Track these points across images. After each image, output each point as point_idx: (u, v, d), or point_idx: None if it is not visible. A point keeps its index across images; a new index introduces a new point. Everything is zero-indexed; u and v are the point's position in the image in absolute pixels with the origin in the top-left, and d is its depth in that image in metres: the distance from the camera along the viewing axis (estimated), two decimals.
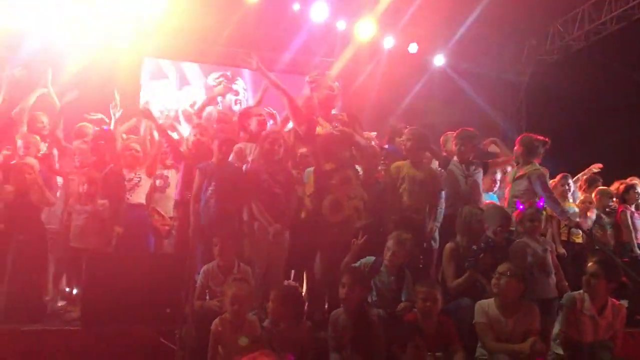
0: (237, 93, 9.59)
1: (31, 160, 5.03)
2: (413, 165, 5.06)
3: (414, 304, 4.12)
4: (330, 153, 4.78)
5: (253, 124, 5.31)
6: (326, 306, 4.76)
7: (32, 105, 5.85)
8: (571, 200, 6.08)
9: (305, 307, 4.86)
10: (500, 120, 10.51)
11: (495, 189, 6.08)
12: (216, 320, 3.88)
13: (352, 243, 4.49)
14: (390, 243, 4.39)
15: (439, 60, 10.44)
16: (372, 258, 4.45)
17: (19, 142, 5.34)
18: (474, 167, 5.33)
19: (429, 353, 3.69)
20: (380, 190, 5.05)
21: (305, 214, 4.81)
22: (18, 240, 4.58)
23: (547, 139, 5.60)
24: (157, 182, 5.54)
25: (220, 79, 8.94)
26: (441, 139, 5.96)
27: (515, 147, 5.60)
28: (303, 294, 5.04)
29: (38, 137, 5.50)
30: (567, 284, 4.67)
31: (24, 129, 5.64)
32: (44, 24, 7.94)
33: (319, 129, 5.11)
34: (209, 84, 9.19)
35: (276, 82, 5.23)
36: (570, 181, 6.15)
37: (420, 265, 4.92)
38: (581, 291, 4.09)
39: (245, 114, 5.53)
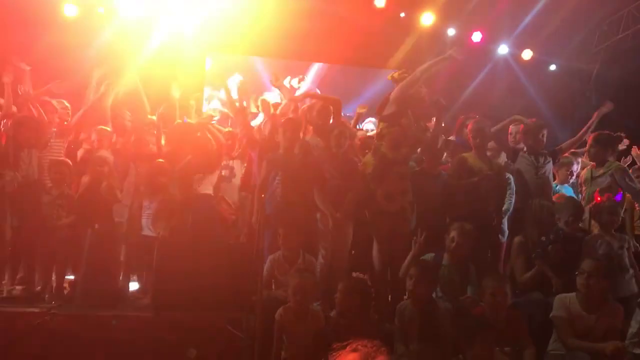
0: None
1: (104, 153, 5.22)
2: (478, 158, 4.97)
3: (481, 298, 4.04)
4: (398, 144, 4.76)
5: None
6: (389, 298, 4.74)
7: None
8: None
9: None
10: (566, 111, 10.12)
11: (572, 180, 5.90)
12: (280, 310, 3.93)
13: (413, 241, 4.42)
14: (454, 234, 4.34)
15: (503, 49, 10.16)
16: (432, 255, 4.41)
17: (93, 136, 5.54)
18: (543, 159, 5.16)
19: (497, 348, 3.58)
20: (443, 183, 4.99)
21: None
22: (93, 229, 4.75)
23: (622, 135, 5.37)
24: (223, 172, 5.64)
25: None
26: (510, 129, 5.79)
27: (589, 145, 5.39)
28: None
29: (109, 129, 5.67)
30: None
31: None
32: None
33: (404, 119, 5.04)
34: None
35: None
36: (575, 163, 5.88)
37: (488, 260, 4.81)
38: None
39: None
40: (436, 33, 9.61)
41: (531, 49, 10.07)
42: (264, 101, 6.21)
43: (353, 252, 4.91)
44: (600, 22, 10.14)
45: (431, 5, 9.27)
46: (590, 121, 5.63)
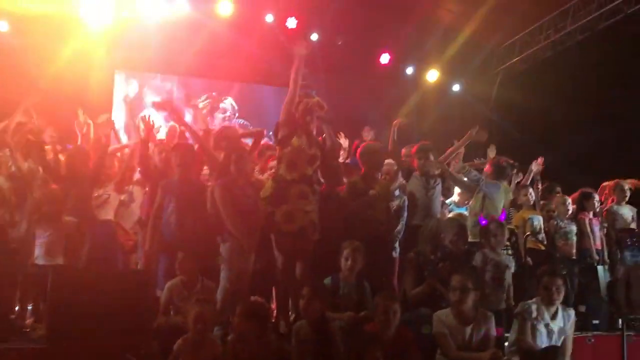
0: (224, 110, 9.69)
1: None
2: (367, 180, 5.20)
3: (374, 315, 4.20)
4: (295, 165, 4.83)
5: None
6: (292, 317, 4.85)
7: None
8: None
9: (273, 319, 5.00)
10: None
11: (467, 203, 6.19)
12: (179, 341, 3.93)
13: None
14: (346, 252, 4.49)
15: (410, 70, 10.64)
16: (329, 279, 4.55)
17: None
18: (434, 180, 5.46)
19: None
20: (340, 204, 5.15)
21: None
22: None
23: (514, 163, 5.81)
24: (122, 197, 5.58)
25: (207, 101, 9.02)
26: (403, 152, 6.10)
27: (485, 168, 5.79)
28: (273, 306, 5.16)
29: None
30: (512, 303, 4.81)
31: None
32: None
33: (294, 139, 5.03)
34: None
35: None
36: (532, 190, 6.33)
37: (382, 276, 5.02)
38: (535, 299, 4.23)
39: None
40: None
41: (436, 70, 10.60)
42: (171, 128, 6.22)
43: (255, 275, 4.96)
44: (499, 45, 10.82)
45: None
46: (459, 142, 6.01)
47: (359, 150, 5.36)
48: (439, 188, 5.50)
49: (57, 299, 4.24)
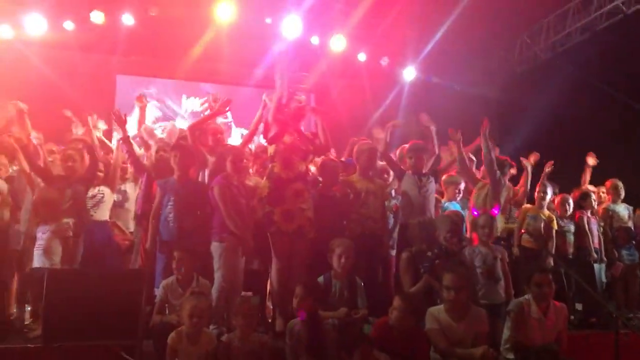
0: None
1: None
2: (362, 178, 5.23)
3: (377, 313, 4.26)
4: (289, 163, 4.87)
5: (210, 140, 5.40)
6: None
7: None
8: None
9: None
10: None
11: (458, 198, 6.20)
12: (172, 334, 3.96)
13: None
14: (338, 250, 4.51)
15: (410, 73, 10.63)
16: (322, 277, 4.57)
17: None
18: (426, 178, 5.48)
19: None
20: (335, 203, 5.17)
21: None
22: None
23: (509, 160, 5.80)
24: (116, 197, 5.61)
25: (206, 104, 9.06)
26: (397, 152, 6.11)
27: (483, 166, 5.79)
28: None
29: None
30: (513, 291, 4.79)
31: None
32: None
33: (286, 138, 5.07)
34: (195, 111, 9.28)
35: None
36: (549, 189, 6.26)
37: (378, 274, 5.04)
38: (527, 296, 4.24)
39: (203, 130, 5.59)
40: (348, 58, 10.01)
41: (436, 73, 10.62)
42: (146, 128, 6.26)
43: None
44: (499, 47, 10.84)
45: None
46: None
47: (354, 149, 5.37)
48: (432, 186, 5.50)
49: (53, 300, 4.25)
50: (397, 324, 4.02)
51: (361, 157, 5.30)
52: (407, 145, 5.75)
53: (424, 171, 5.55)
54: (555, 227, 6.03)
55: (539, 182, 6.32)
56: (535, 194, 6.17)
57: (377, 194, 5.20)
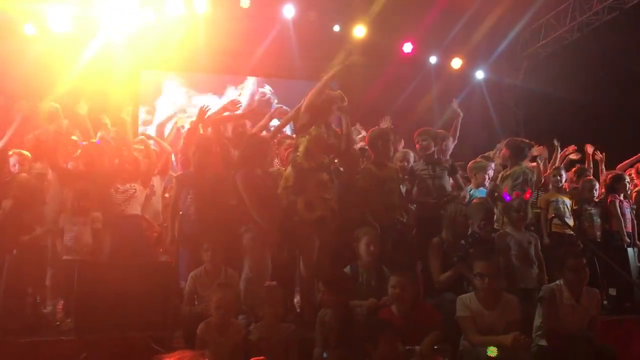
0: (263, 94, 9.94)
1: (25, 177, 5.18)
2: (376, 166, 5.17)
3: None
4: (313, 153, 4.84)
5: (229, 130, 5.40)
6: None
7: None
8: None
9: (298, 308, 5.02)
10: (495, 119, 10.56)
11: (487, 184, 6.12)
12: (201, 325, 3.98)
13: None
14: (366, 239, 4.49)
15: (433, 59, 10.53)
16: (348, 267, 4.55)
17: (12, 160, 5.47)
18: (440, 169, 5.45)
19: (407, 347, 3.73)
20: (358, 194, 5.11)
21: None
22: (12, 254, 4.70)
23: (532, 142, 5.69)
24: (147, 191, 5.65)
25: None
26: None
27: (503, 150, 5.69)
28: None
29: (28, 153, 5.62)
30: (546, 277, 4.72)
31: None
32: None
33: (313, 128, 4.99)
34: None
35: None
36: (563, 172, 6.20)
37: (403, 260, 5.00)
38: (558, 282, 4.15)
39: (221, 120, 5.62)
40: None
41: (459, 58, 10.48)
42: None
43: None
44: (523, 30, 10.63)
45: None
46: None
47: (366, 137, 5.33)
48: (443, 176, 5.46)
49: (84, 293, 4.37)
50: (400, 302, 4.01)
51: (377, 144, 5.21)
52: None
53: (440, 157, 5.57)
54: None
55: (553, 166, 6.25)
56: (551, 178, 6.14)
57: (395, 179, 5.15)
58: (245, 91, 9.96)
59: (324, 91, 4.93)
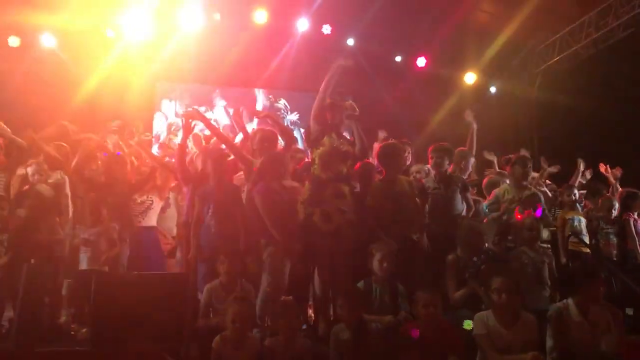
0: (278, 109, 10.04)
1: (42, 187, 5.24)
2: (387, 183, 5.11)
3: (413, 312, 4.19)
4: (329, 163, 4.84)
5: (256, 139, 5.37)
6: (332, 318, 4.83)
7: None
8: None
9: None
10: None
11: None
12: (217, 338, 3.98)
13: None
14: (379, 255, 4.48)
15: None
16: (362, 282, 4.53)
17: (30, 170, 5.53)
18: (452, 188, 5.40)
19: None
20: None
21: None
22: (29, 264, 4.74)
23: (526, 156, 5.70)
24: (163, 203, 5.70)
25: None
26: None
27: (508, 168, 5.67)
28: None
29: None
30: (558, 297, 4.66)
31: None
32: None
33: (326, 139, 5.02)
34: None
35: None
36: (576, 191, 6.20)
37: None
38: (565, 300, 4.11)
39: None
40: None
41: (472, 72, 10.50)
42: (195, 136, 6.29)
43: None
44: (537, 45, 10.63)
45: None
46: None
47: (376, 152, 5.31)
48: (454, 194, 5.40)
49: (100, 303, 4.35)
50: (431, 320, 3.99)
51: (385, 160, 5.18)
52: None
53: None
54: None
55: (564, 185, 6.25)
56: (565, 196, 6.14)
57: (408, 194, 5.10)
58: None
59: (325, 98, 4.95)
